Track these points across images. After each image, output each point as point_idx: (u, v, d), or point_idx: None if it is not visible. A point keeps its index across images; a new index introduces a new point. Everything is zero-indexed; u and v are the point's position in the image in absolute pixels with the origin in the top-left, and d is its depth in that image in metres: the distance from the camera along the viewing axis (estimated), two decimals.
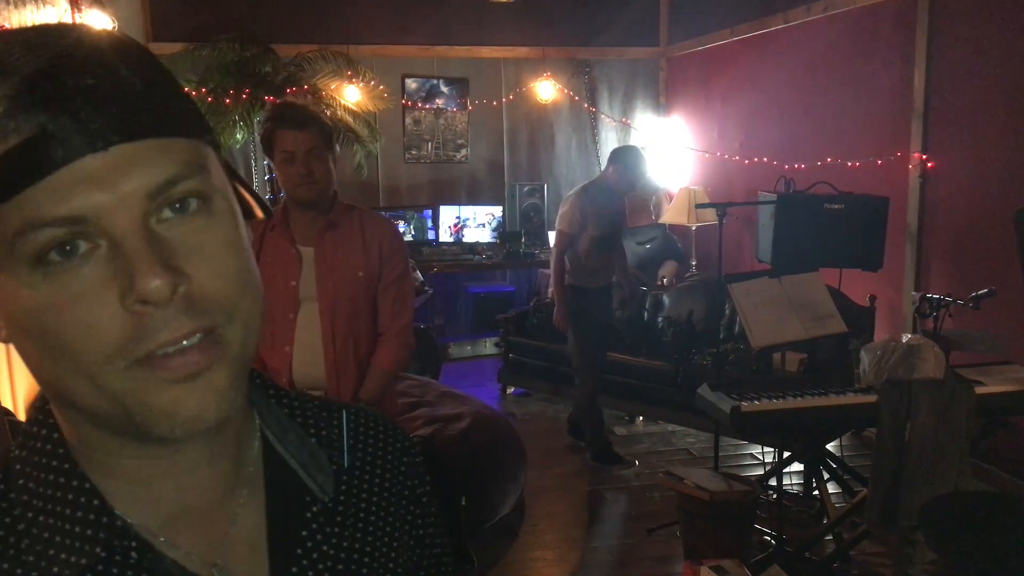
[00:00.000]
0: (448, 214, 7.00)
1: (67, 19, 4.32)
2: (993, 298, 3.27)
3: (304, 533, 0.64)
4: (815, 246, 3.53)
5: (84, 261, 0.51)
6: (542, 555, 3.75)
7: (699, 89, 7.01)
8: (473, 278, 7.36)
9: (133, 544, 0.57)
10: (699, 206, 4.13)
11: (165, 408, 0.53)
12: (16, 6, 3.50)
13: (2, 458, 0.61)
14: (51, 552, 0.56)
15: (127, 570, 0.57)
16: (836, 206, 3.49)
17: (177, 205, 0.54)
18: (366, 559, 0.68)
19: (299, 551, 0.64)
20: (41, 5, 3.85)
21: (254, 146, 6.35)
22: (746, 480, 3.65)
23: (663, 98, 7.52)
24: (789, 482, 4.19)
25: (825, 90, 5.35)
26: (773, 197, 3.58)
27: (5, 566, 0.56)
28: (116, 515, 0.57)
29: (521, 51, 7.17)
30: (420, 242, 6.89)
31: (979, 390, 3.13)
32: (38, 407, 0.61)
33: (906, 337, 3.24)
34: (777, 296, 3.37)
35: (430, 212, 6.94)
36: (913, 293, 3.97)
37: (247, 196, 0.63)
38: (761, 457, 4.54)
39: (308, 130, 2.42)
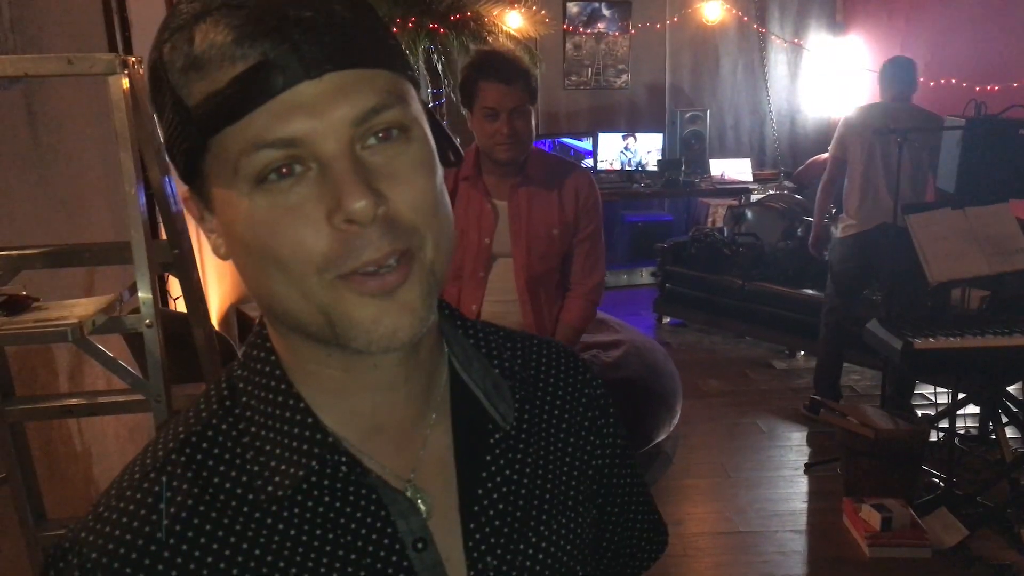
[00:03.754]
0: (608, 142, 6.93)
1: None
2: None
3: (488, 458, 0.68)
4: (1006, 175, 3.27)
5: (297, 182, 0.55)
6: (695, 484, 3.78)
7: (880, 4, 6.52)
8: (631, 206, 7.28)
9: (343, 459, 0.62)
10: (876, 131, 3.87)
11: (364, 323, 0.57)
12: None
13: (228, 376, 0.67)
14: (272, 463, 0.61)
15: (337, 482, 0.62)
16: None
17: (380, 134, 0.57)
18: (546, 484, 0.71)
19: (484, 474, 0.68)
20: None
21: (420, 75, 6.49)
22: (915, 419, 3.51)
23: (840, 16, 7.05)
24: (964, 424, 3.98)
25: None
26: (961, 122, 3.32)
27: (233, 474, 0.62)
28: (328, 431, 0.62)
29: None
30: None
31: None
32: (257, 331, 0.67)
33: None
34: (960, 228, 3.17)
35: (590, 139, 6.90)
36: None
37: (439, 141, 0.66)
38: (933, 398, 4.33)
39: (515, 85, 2.22)
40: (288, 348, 0.64)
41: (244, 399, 0.64)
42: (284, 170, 0.55)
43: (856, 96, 6.73)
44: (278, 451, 0.61)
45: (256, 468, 0.61)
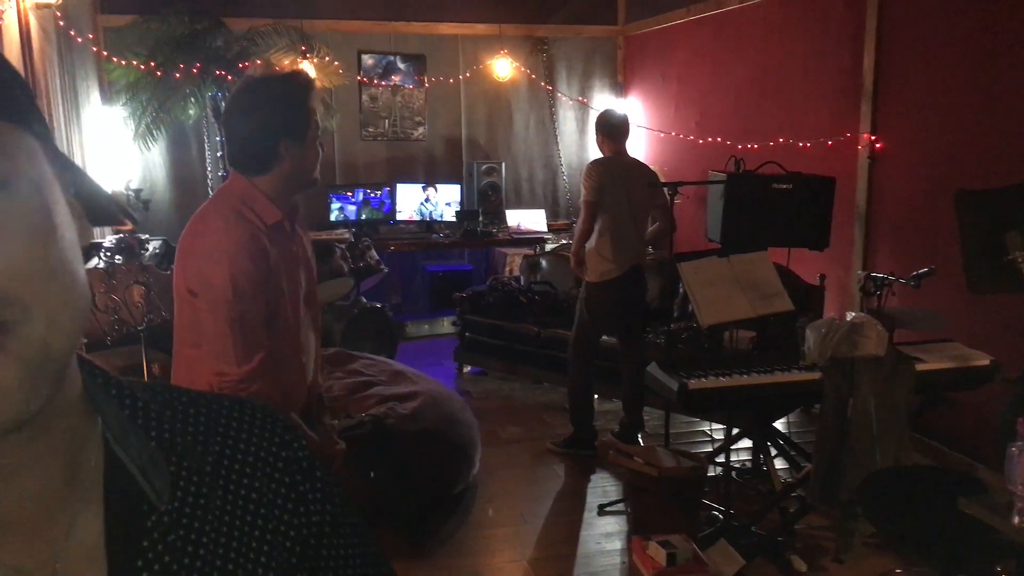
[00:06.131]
0: (406, 193, 6.95)
1: None
2: (934, 277, 3.34)
3: (145, 543, 0.61)
4: (763, 226, 3.57)
5: None
6: (494, 533, 3.77)
7: (656, 68, 7.03)
8: (431, 257, 7.33)
9: None
10: (651, 185, 4.14)
11: None
12: None
13: None
14: None
15: None
16: (784, 186, 3.53)
17: None
18: (218, 564, 0.64)
19: (139, 563, 0.60)
20: None
21: (206, 122, 6.24)
22: (695, 456, 3.70)
23: (621, 77, 7.53)
24: (739, 458, 4.26)
25: (778, 70, 5.40)
26: (722, 177, 3.61)
27: None
28: None
29: (479, 28, 7.12)
30: (378, 220, 6.84)
31: (920, 367, 3.20)
32: None
33: (850, 315, 3.30)
34: (725, 275, 3.41)
35: (388, 190, 6.90)
36: (858, 272, 4.04)
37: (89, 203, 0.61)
38: (711, 434, 4.60)
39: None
40: None
41: None
42: None
43: (635, 151, 7.17)
44: None
45: None
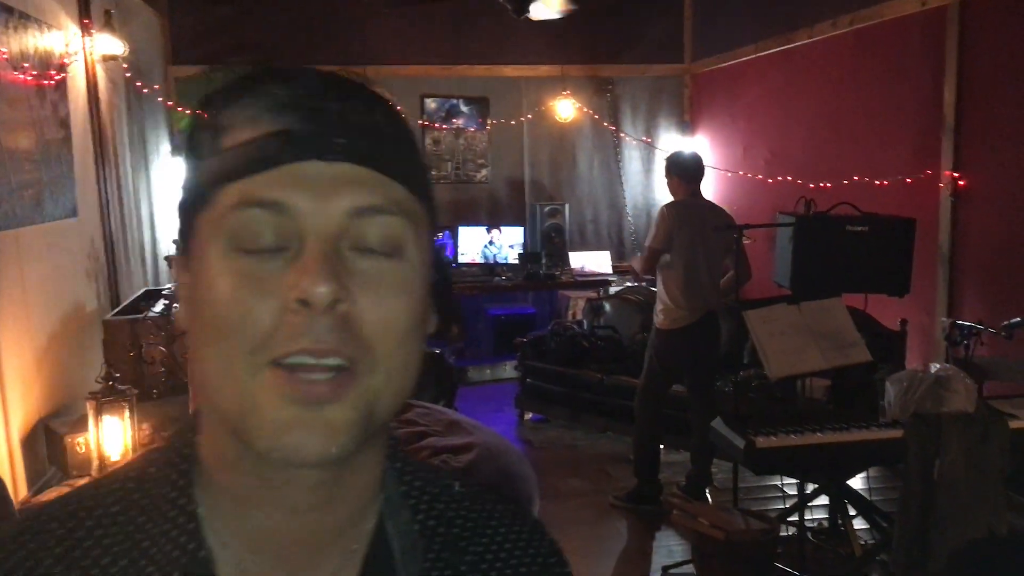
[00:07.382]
0: (469, 235, 6.89)
1: (76, 44, 4.28)
2: None
3: None
4: (837, 270, 3.35)
5: (271, 256, 0.53)
6: None
7: (724, 106, 6.85)
8: (494, 300, 7.23)
9: None
10: (714, 229, 3.95)
11: (275, 425, 0.53)
12: (16, 30, 3.45)
13: (146, 456, 0.63)
14: (142, 563, 0.57)
15: None
16: (859, 228, 3.31)
17: (374, 249, 0.55)
18: None
19: None
20: (45, 29, 3.81)
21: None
22: (765, 516, 3.46)
23: (688, 116, 7.36)
24: (815, 516, 3.97)
25: (852, 106, 5.16)
26: (791, 219, 3.41)
27: (104, 562, 0.57)
28: (205, 545, 0.58)
29: (542, 70, 7.06)
30: (440, 264, 6.78)
31: (1014, 424, 2.93)
32: (188, 421, 0.63)
33: (934, 367, 3.05)
34: (796, 324, 3.20)
35: (449, 233, 6.85)
36: (943, 319, 3.77)
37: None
38: (784, 489, 4.33)
39: None
40: (213, 441, 0.60)
41: (147, 486, 0.61)
42: (265, 244, 0.53)
43: (703, 191, 6.97)
44: (153, 551, 0.58)
45: (126, 563, 0.57)
